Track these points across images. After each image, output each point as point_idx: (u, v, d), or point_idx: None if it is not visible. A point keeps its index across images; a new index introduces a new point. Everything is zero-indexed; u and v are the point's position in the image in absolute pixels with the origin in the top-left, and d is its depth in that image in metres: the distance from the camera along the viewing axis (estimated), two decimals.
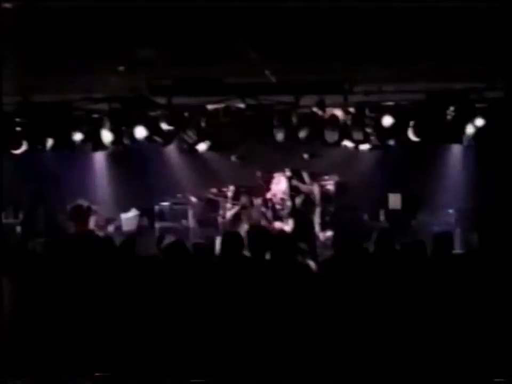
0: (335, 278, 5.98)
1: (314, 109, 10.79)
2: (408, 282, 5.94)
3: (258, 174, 12.78)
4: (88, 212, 11.91)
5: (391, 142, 11.63)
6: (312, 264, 6.93)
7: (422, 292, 5.76)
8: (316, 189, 12.53)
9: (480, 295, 5.42)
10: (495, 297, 5.32)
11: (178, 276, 5.91)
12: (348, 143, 11.82)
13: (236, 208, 12.39)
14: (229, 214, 12.43)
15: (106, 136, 11.40)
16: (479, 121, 10.64)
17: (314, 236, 11.90)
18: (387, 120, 10.87)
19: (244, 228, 11.31)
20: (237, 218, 12.24)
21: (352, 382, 5.33)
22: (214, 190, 12.92)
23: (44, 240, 7.77)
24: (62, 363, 5.41)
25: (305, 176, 12.55)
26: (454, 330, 5.37)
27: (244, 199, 12.46)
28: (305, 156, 12.72)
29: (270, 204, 12.29)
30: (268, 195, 12.44)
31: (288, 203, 12.16)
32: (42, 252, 6.52)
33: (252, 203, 12.40)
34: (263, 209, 12.27)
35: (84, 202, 12.05)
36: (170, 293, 5.76)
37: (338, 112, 11.08)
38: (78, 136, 11.63)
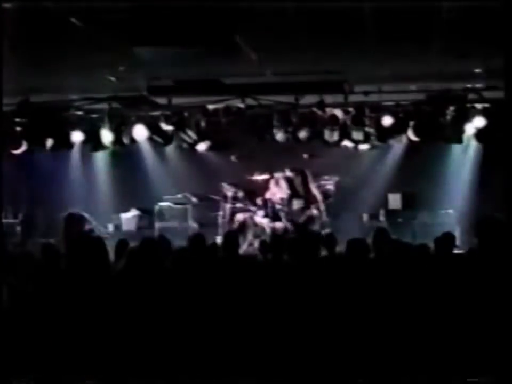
0: (336, 277, 5.98)
1: (314, 109, 10.80)
2: (408, 282, 5.94)
3: (258, 174, 12.76)
4: (81, 221, 11.79)
5: (391, 142, 11.63)
6: None
7: (422, 291, 5.76)
8: (316, 190, 12.54)
9: (480, 295, 5.41)
10: (494, 298, 5.31)
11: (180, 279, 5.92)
12: (347, 143, 11.83)
13: (240, 215, 12.38)
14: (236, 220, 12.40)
15: (106, 136, 11.41)
16: (479, 121, 10.65)
17: None
18: (387, 120, 10.88)
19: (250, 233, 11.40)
20: (241, 225, 12.22)
21: (352, 381, 5.33)
22: (215, 192, 12.90)
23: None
24: (64, 364, 5.41)
25: (309, 175, 12.57)
26: (454, 330, 5.37)
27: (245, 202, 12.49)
28: (305, 156, 12.71)
29: (270, 204, 12.27)
30: (268, 195, 12.43)
31: (288, 203, 12.16)
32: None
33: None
34: (263, 209, 12.26)
35: (76, 211, 12.04)
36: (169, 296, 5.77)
37: (338, 112, 11.09)
38: (77, 136, 11.67)
